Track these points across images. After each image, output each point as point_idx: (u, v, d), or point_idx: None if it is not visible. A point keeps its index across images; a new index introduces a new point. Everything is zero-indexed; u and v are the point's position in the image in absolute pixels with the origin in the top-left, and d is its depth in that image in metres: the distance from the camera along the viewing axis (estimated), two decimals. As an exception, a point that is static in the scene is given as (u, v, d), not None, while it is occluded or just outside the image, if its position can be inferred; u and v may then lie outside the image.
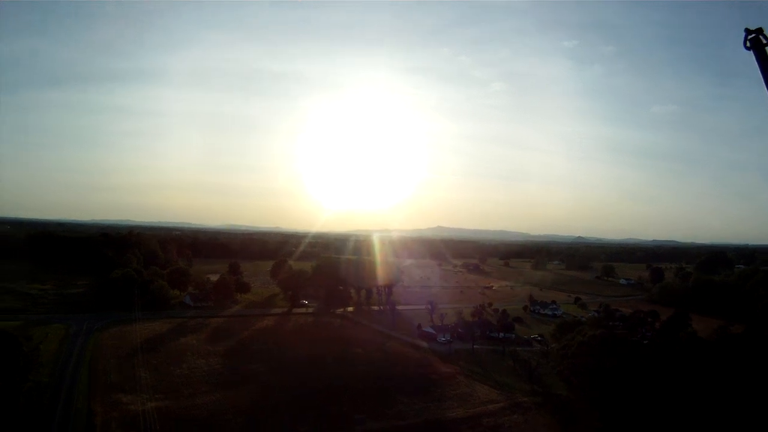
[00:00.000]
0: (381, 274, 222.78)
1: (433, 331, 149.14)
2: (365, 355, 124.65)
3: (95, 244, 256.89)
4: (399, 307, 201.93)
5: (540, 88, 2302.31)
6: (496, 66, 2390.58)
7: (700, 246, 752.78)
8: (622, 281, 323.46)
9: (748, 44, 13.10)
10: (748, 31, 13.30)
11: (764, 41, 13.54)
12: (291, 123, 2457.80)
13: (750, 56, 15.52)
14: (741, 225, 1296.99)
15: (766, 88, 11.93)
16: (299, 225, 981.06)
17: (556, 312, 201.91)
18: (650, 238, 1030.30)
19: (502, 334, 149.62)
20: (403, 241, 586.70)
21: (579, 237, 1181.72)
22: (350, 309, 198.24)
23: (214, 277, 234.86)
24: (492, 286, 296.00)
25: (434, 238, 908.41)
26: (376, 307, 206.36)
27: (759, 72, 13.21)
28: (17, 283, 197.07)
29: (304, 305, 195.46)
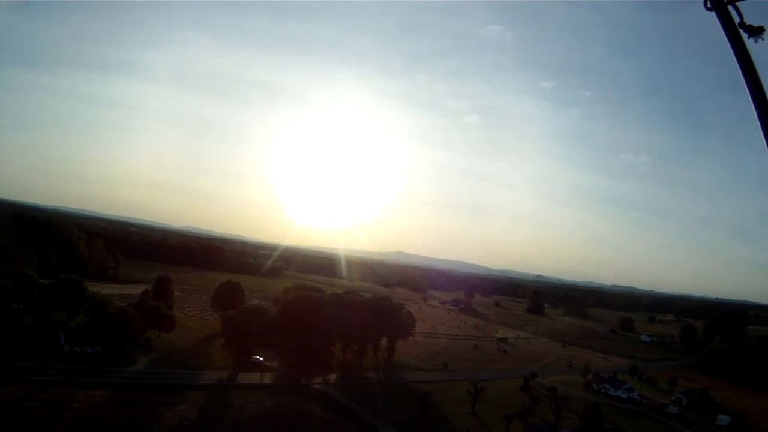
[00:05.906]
0: (386, 318, 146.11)
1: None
2: None
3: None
4: (407, 376, 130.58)
5: (514, 125, 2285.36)
6: (472, 98, 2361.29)
7: (662, 295, 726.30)
8: (644, 338, 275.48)
9: (709, 5, 8.00)
10: None
11: None
12: (265, 133, 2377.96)
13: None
14: (703, 277, 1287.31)
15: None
16: (264, 236, 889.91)
17: (632, 395, 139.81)
18: (610, 283, 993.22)
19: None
20: (370, 266, 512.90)
21: (539, 275, 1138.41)
22: (333, 377, 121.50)
23: (136, 292, 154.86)
24: (506, 338, 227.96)
25: (396, 263, 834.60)
26: (372, 375, 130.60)
27: (737, 69, 8.26)
28: None
29: (257, 365, 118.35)
